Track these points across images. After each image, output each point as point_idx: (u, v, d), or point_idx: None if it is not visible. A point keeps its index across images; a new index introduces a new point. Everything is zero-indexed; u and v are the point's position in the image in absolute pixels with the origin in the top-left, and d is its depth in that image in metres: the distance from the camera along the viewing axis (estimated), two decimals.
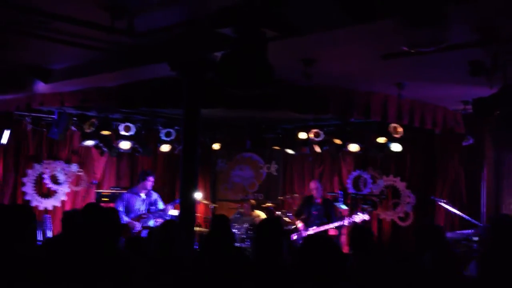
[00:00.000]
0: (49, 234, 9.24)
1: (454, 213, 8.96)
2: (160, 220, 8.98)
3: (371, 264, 4.29)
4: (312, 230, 9.11)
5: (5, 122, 9.34)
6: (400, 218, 10.36)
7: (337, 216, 9.64)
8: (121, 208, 8.81)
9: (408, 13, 3.79)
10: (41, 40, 5.75)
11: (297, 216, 9.57)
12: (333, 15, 4.12)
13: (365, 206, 9.87)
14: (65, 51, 6.30)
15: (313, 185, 9.64)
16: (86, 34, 5.59)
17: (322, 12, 4.30)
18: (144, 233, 8.54)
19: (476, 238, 7.75)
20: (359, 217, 8.87)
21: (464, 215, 8.71)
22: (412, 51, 4.05)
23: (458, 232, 8.52)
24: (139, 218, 8.86)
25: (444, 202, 9.12)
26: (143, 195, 9.10)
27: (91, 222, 3.92)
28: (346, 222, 9.03)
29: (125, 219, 8.73)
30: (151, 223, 8.93)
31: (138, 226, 8.76)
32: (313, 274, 3.42)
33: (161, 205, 9.17)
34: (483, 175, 9.42)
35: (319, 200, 9.49)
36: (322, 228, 9.17)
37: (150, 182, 9.12)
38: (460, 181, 9.71)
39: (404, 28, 3.84)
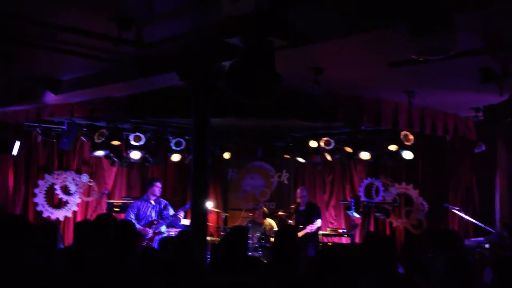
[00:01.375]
0: (61, 245, 9.24)
1: (468, 220, 8.89)
2: (172, 228, 9.00)
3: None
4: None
5: (16, 133, 9.39)
6: (413, 226, 10.28)
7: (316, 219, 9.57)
8: (132, 216, 8.86)
9: (416, 22, 3.76)
10: (50, 51, 5.77)
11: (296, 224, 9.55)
12: (340, 24, 4.10)
13: (378, 214, 9.83)
14: (74, 62, 6.32)
15: (300, 192, 9.71)
16: (95, 45, 5.61)
17: (330, 21, 4.29)
18: (156, 240, 8.55)
19: (487, 246, 7.68)
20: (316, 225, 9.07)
21: (477, 222, 8.63)
22: (421, 59, 4.01)
23: (472, 239, 8.45)
24: (150, 224, 8.88)
25: (457, 210, 9.05)
26: (152, 202, 9.12)
27: (104, 233, 3.92)
28: (309, 229, 9.12)
29: (137, 226, 8.75)
30: (163, 229, 8.94)
31: (150, 232, 8.77)
32: (328, 284, 3.40)
33: (171, 211, 9.18)
34: (496, 182, 9.34)
35: (303, 207, 9.57)
36: (301, 232, 9.15)
37: (157, 187, 9.15)
38: (472, 188, 9.64)
39: (413, 37, 3.80)
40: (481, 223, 8.57)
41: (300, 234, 9.06)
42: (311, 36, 4.59)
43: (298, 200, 9.63)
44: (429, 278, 4.37)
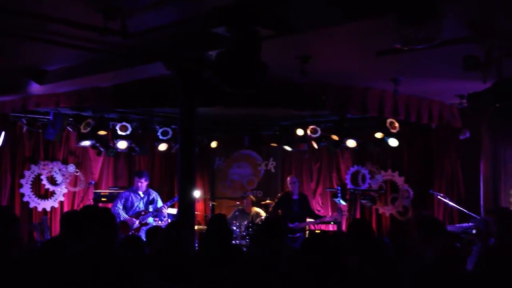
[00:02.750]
0: (48, 235, 9.23)
1: (453, 206, 8.99)
2: (158, 219, 9.01)
3: (373, 260, 4.28)
4: (297, 226, 9.16)
5: (1, 124, 9.33)
6: (399, 213, 10.38)
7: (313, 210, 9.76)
8: (119, 206, 8.91)
9: (401, 11, 3.79)
10: (36, 42, 5.73)
11: (275, 212, 9.48)
12: (327, 12, 4.11)
13: (364, 201, 9.91)
14: (59, 52, 6.28)
15: (291, 179, 9.60)
16: (80, 35, 5.57)
17: (316, 10, 4.30)
18: (143, 230, 8.57)
19: (474, 231, 7.78)
20: (341, 215, 9.11)
21: (462, 209, 8.74)
22: (405, 48, 4.05)
23: (457, 225, 8.56)
24: (137, 215, 8.91)
25: (442, 196, 9.15)
26: (141, 193, 9.15)
27: (88, 223, 3.94)
28: (328, 218, 9.27)
29: (124, 215, 8.80)
30: (150, 220, 8.96)
31: (136, 223, 8.81)
32: (313, 273, 3.43)
33: (160, 203, 9.20)
34: (480, 168, 9.44)
35: (296, 197, 9.46)
36: (304, 224, 9.33)
37: (140, 183, 9.13)
38: (457, 174, 9.73)
39: (397, 26, 3.83)
40: (466, 209, 8.67)
41: (298, 227, 9.15)
42: (298, 25, 4.61)
43: (289, 188, 9.56)
44: (416, 264, 4.44)
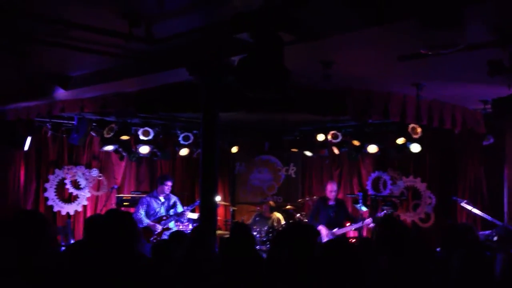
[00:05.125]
0: (71, 239, 9.34)
1: (476, 213, 8.89)
2: (181, 223, 9.07)
3: (402, 265, 4.25)
4: (338, 231, 9.07)
5: (27, 129, 9.47)
6: (421, 219, 10.29)
7: (353, 215, 9.65)
8: (141, 212, 9.00)
9: (426, 15, 3.78)
10: (61, 48, 5.82)
11: (314, 219, 9.43)
12: (349, 18, 4.12)
13: (386, 208, 9.83)
14: (84, 58, 6.38)
15: (331, 188, 9.46)
16: (105, 41, 5.65)
17: (339, 16, 4.31)
18: (165, 235, 8.63)
19: (495, 238, 7.68)
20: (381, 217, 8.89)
21: (486, 216, 8.63)
22: (430, 53, 4.03)
23: (480, 232, 8.45)
24: (159, 220, 8.98)
25: (465, 203, 9.05)
26: (162, 198, 9.23)
27: (111, 228, 3.98)
28: (368, 222, 9.03)
29: (146, 221, 8.87)
30: (171, 224, 9.02)
31: (159, 228, 8.87)
32: (332, 279, 3.43)
33: (180, 208, 9.27)
34: (504, 175, 9.32)
35: (333, 202, 9.37)
36: (345, 229, 9.20)
37: (167, 186, 9.25)
38: (481, 181, 9.62)
39: (422, 31, 3.82)
40: (490, 216, 8.57)
41: (338, 232, 9.07)
42: (320, 31, 4.62)
43: (328, 196, 9.37)
44: (441, 273, 4.40)
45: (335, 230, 9.04)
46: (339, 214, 9.30)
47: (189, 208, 9.27)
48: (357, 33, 4.81)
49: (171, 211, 9.18)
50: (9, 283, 3.32)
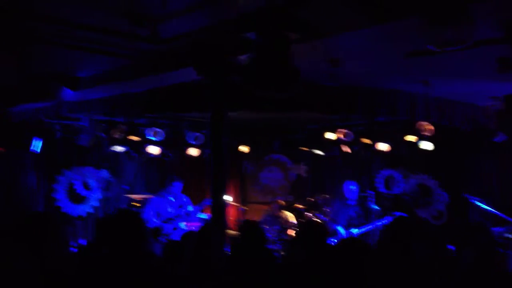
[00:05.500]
0: (81, 240, 9.37)
1: (488, 210, 8.81)
2: (192, 223, 9.07)
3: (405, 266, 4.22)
4: (354, 232, 8.92)
5: (35, 130, 9.50)
6: (433, 217, 10.21)
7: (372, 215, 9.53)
8: (151, 212, 8.97)
9: (433, 12, 3.74)
10: (68, 49, 5.83)
11: (334, 219, 9.26)
12: (356, 16, 4.09)
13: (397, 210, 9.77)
14: (91, 59, 6.38)
15: (349, 186, 9.34)
16: (112, 42, 5.65)
17: (345, 14, 4.28)
18: (175, 235, 8.64)
19: (509, 235, 7.62)
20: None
21: (498, 213, 8.56)
22: (438, 50, 3.99)
23: (492, 229, 8.38)
24: (168, 220, 8.98)
25: (477, 200, 8.97)
26: (172, 198, 9.22)
27: (121, 228, 3.97)
28: (385, 221, 8.90)
29: (155, 221, 8.86)
30: (182, 225, 9.02)
31: (168, 228, 8.86)
32: (344, 276, 3.41)
33: (190, 207, 9.26)
34: None
35: (354, 202, 9.25)
36: (364, 229, 8.98)
37: (176, 187, 9.24)
38: (492, 178, 9.54)
39: (429, 27, 3.78)
40: (502, 213, 8.49)
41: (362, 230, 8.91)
42: (326, 29, 4.59)
43: (349, 193, 9.23)
44: (453, 269, 4.36)
45: (351, 230, 8.95)
46: (359, 214, 9.19)
47: (198, 207, 9.27)
48: (364, 30, 4.77)
49: (182, 211, 9.18)
50: (22, 286, 3.32)
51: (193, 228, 8.88)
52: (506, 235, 7.63)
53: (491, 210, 8.72)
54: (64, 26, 5.14)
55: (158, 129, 9.68)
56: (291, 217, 9.93)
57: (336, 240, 8.92)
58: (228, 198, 8.49)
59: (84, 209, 10.22)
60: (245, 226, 5.80)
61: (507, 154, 9.32)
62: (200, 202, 9.53)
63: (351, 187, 9.34)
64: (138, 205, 9.90)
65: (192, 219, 9.15)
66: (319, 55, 5.88)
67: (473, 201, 8.98)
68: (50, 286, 3.45)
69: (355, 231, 8.86)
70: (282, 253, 8.90)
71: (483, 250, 4.38)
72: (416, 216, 9.50)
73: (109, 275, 3.64)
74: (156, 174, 11.29)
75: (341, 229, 8.90)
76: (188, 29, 5.27)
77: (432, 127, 8.84)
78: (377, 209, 9.44)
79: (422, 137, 8.96)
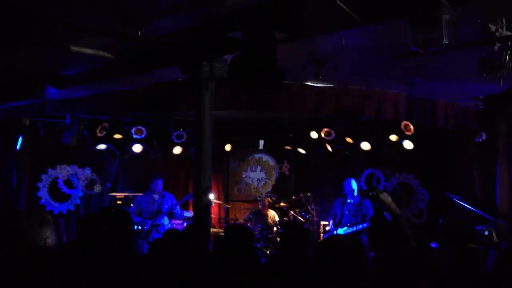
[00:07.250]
0: (64, 238, 9.32)
1: (469, 209, 8.93)
2: (175, 221, 9.09)
3: (391, 262, 4.28)
4: (342, 231, 8.84)
5: (18, 128, 9.43)
6: (414, 216, 10.32)
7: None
8: (135, 211, 8.98)
9: (415, 14, 3.79)
10: (53, 47, 5.79)
11: (333, 217, 9.24)
12: (341, 16, 4.13)
13: (379, 204, 9.82)
14: (76, 57, 6.34)
15: (348, 183, 9.20)
16: (97, 40, 5.63)
17: (331, 14, 4.31)
18: (155, 232, 8.64)
19: (486, 233, 7.72)
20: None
21: (479, 211, 8.67)
22: (421, 51, 4.05)
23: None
24: (150, 216, 8.98)
25: (458, 199, 9.08)
26: (156, 196, 9.24)
27: (104, 226, 3.97)
28: (366, 224, 8.89)
29: (136, 217, 8.90)
30: (165, 221, 9.04)
31: (148, 223, 8.88)
32: (330, 275, 3.43)
33: (171, 204, 9.31)
34: (497, 170, 9.37)
35: (351, 200, 9.14)
36: (352, 229, 8.84)
37: (157, 185, 9.26)
38: (473, 177, 9.66)
39: (413, 29, 3.84)
40: (482, 212, 8.61)
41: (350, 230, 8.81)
42: (312, 29, 4.62)
43: (347, 191, 9.14)
44: (434, 266, 4.43)
45: (340, 229, 8.88)
46: (353, 213, 9.08)
47: (180, 202, 9.30)
48: (350, 30, 4.82)
49: (164, 208, 9.19)
50: (5, 284, 3.31)
51: (175, 225, 8.91)
52: (486, 233, 7.74)
53: (472, 209, 8.84)
54: (50, 24, 5.10)
55: (141, 127, 9.66)
56: (275, 215, 9.98)
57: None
58: (211, 196, 8.50)
59: (66, 207, 10.15)
60: (232, 229, 5.82)
61: (487, 154, 9.45)
62: (182, 198, 9.57)
63: (353, 183, 9.20)
64: (120, 202, 9.90)
65: (176, 214, 9.18)
66: (305, 54, 5.92)
67: (454, 199, 9.10)
68: (32, 284, 3.45)
69: (340, 231, 8.92)
70: (266, 251, 8.96)
71: (462, 247, 4.45)
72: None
73: (91, 274, 3.63)
74: (139, 172, 11.26)
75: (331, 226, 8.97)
76: (174, 28, 5.27)
77: (413, 127, 8.94)
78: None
79: (404, 137, 9.06)
